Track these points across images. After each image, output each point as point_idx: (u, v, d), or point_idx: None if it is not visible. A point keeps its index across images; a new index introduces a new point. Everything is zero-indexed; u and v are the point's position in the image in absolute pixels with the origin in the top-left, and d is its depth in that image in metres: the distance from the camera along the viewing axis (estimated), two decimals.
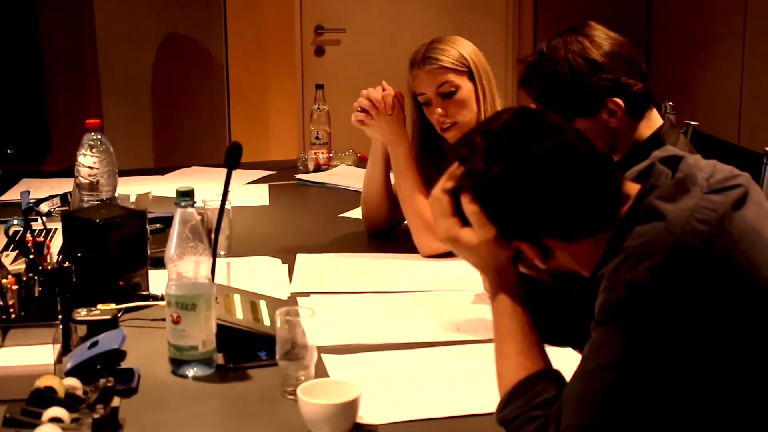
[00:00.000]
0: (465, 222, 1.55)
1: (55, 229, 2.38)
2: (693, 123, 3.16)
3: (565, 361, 1.62)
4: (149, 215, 2.39)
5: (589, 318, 1.44)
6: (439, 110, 2.60)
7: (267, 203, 3.22)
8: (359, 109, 2.63)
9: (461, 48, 2.63)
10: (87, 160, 2.58)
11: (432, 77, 2.60)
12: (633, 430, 1.37)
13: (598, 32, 2.12)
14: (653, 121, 2.12)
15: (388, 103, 2.59)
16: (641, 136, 2.10)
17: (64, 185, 3.15)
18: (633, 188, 1.49)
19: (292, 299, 2.23)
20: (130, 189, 2.85)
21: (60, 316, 1.91)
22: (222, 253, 2.50)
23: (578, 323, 1.57)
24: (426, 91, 2.62)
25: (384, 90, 2.61)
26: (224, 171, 2.01)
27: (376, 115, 2.60)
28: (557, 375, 1.50)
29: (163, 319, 1.88)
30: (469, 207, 1.52)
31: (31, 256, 1.98)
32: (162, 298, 2.09)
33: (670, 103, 3.32)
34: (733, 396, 1.39)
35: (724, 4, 5.02)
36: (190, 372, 1.82)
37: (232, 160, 2.00)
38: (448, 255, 2.49)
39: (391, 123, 2.60)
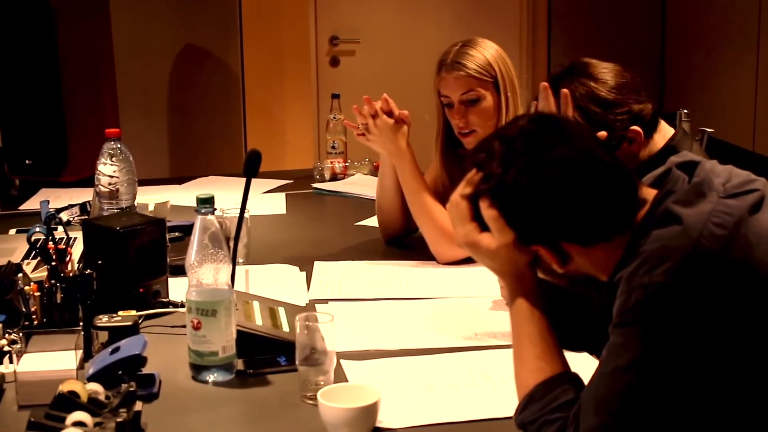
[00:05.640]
0: (484, 227, 1.56)
1: (75, 238, 2.40)
2: (708, 130, 3.16)
3: (583, 366, 1.63)
4: (168, 224, 2.41)
5: (606, 322, 1.45)
6: (459, 117, 2.61)
7: (284, 212, 3.24)
8: (359, 125, 2.65)
9: (490, 56, 2.63)
10: (107, 169, 2.60)
11: (458, 83, 2.61)
12: None
13: (596, 68, 2.11)
14: (664, 131, 2.13)
15: (382, 107, 2.59)
16: (655, 147, 2.11)
17: (83, 195, 3.18)
18: (650, 193, 1.50)
19: (311, 306, 2.25)
20: (148, 198, 2.86)
21: (81, 323, 1.93)
22: (240, 260, 2.51)
23: (596, 327, 1.57)
24: (450, 95, 2.63)
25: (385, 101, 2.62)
26: (241, 180, 2.02)
27: (377, 131, 2.61)
28: (575, 378, 1.51)
29: (183, 326, 1.90)
30: (487, 212, 1.53)
31: (53, 264, 2.00)
32: (182, 305, 2.11)
33: (685, 111, 3.33)
34: (749, 398, 1.40)
35: (739, 11, 5.02)
36: (211, 377, 1.84)
37: (251, 167, 2.02)
38: (465, 262, 2.50)
39: (393, 138, 2.61)
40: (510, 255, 1.55)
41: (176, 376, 1.86)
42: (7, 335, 1.91)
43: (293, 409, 1.74)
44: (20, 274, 2.05)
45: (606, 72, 2.11)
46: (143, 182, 2.94)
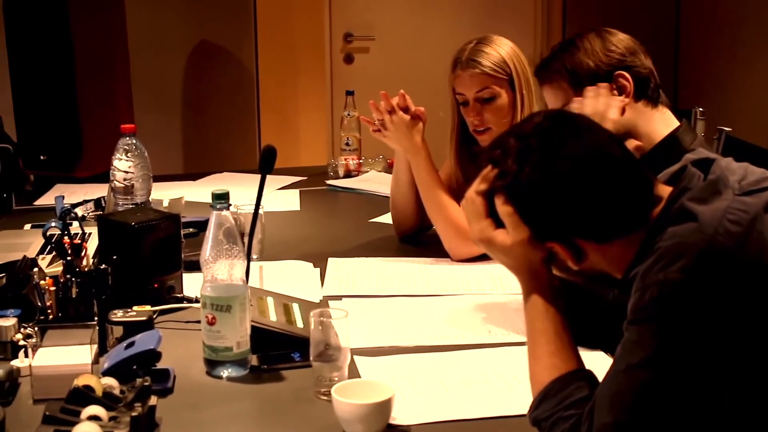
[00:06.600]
0: (499, 224, 1.56)
1: (90, 233, 2.41)
2: (726, 129, 3.15)
3: (597, 363, 1.63)
4: (182, 220, 2.42)
5: (620, 319, 1.45)
6: (474, 115, 2.61)
7: (298, 208, 3.25)
8: (375, 121, 2.65)
9: (505, 53, 2.62)
10: (122, 165, 2.61)
11: (473, 81, 2.61)
12: (666, 429, 1.38)
13: (612, 30, 2.14)
14: (670, 122, 2.13)
15: (398, 103, 2.59)
16: (658, 136, 2.11)
17: (97, 190, 3.19)
18: (665, 190, 1.50)
19: (324, 302, 2.25)
20: (163, 194, 2.87)
21: (96, 318, 1.94)
22: (254, 257, 2.52)
23: (610, 324, 1.57)
24: (465, 92, 2.63)
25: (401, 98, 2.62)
26: (255, 177, 2.03)
27: (392, 127, 2.60)
28: (590, 375, 1.51)
29: (197, 322, 1.90)
30: (502, 208, 1.53)
31: (69, 259, 2.00)
32: (196, 301, 2.12)
33: (700, 109, 3.32)
34: (764, 395, 1.40)
35: (753, 9, 5.00)
36: (225, 373, 1.84)
37: (266, 163, 2.02)
38: (479, 259, 2.50)
39: (408, 134, 2.60)
40: (525, 252, 1.55)
41: (190, 372, 1.86)
42: (22, 329, 1.92)
43: (307, 405, 1.74)
44: (36, 269, 2.06)
45: (618, 33, 2.14)
46: (157, 178, 2.95)
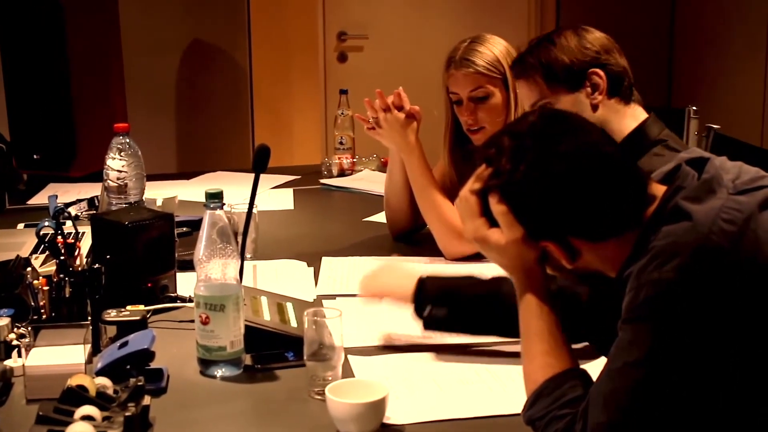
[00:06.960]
0: (493, 223, 1.56)
1: (84, 232, 2.40)
2: (715, 126, 3.16)
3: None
4: (176, 219, 2.41)
5: (615, 318, 1.45)
6: (468, 114, 2.61)
7: (292, 207, 3.24)
8: (369, 119, 2.65)
9: (499, 52, 2.62)
10: (115, 164, 2.61)
11: (466, 80, 2.61)
12: (660, 428, 1.38)
13: (588, 28, 2.17)
14: (639, 116, 2.16)
15: (393, 101, 2.59)
16: (626, 128, 2.13)
17: (90, 190, 3.18)
18: (659, 189, 1.50)
19: (318, 302, 2.24)
20: (156, 193, 2.87)
21: (90, 317, 1.93)
22: (248, 256, 2.51)
23: (605, 324, 1.57)
24: (459, 92, 2.62)
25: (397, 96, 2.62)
26: (249, 176, 2.02)
27: (387, 125, 2.60)
28: (584, 374, 1.51)
29: (191, 321, 1.90)
30: (496, 207, 1.53)
31: (62, 258, 2.00)
32: (190, 300, 2.11)
33: (693, 108, 3.33)
34: (758, 394, 1.40)
35: (748, 7, 5.01)
36: (218, 372, 1.84)
37: (260, 162, 2.02)
38: (472, 258, 2.50)
39: (402, 133, 2.60)
40: (519, 251, 1.55)
41: (184, 371, 1.86)
42: (15, 329, 1.91)
43: (301, 405, 1.74)
44: (29, 269, 2.06)
45: (595, 31, 2.18)
46: (151, 177, 2.95)
